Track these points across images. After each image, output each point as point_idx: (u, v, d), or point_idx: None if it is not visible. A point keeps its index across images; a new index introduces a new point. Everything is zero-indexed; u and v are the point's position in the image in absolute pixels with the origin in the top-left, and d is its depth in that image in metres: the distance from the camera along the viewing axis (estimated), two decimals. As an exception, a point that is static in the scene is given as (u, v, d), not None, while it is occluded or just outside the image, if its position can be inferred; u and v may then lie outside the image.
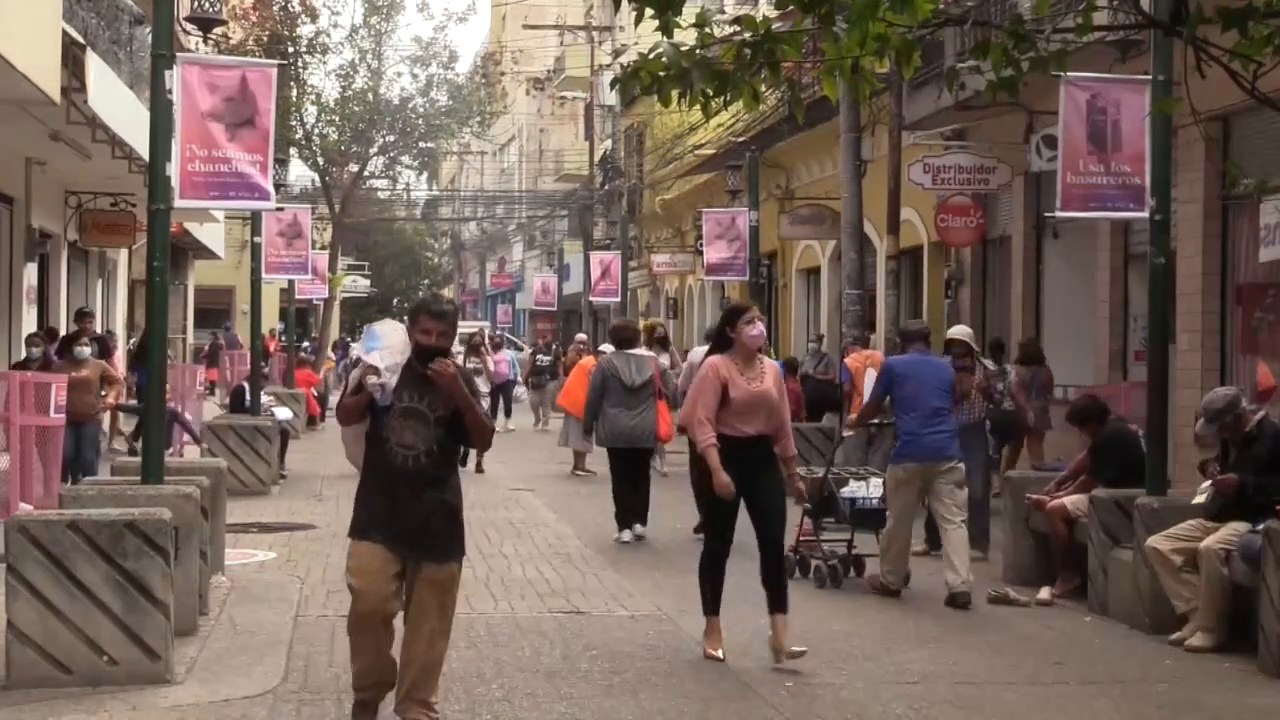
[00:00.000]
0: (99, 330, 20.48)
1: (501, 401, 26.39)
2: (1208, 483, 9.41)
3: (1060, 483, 10.94)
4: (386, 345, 6.44)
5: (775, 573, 8.38)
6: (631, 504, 13.25)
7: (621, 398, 13.22)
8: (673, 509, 13.99)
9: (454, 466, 6.63)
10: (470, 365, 19.88)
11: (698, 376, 8.60)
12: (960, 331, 12.89)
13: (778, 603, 8.30)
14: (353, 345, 25.63)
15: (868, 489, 11.02)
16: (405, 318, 6.77)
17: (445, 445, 6.50)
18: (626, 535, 13.11)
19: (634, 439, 13.25)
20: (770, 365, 8.62)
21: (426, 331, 6.42)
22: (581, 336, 28.47)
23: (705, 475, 8.25)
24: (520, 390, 28.48)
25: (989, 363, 13.39)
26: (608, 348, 14.79)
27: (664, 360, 15.67)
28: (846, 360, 16.04)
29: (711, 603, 8.51)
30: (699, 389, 8.43)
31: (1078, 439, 11.42)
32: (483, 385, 19.30)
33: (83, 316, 17.75)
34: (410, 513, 6.38)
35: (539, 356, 30.19)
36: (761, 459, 8.40)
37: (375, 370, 6.36)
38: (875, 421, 11.63)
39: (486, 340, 25.58)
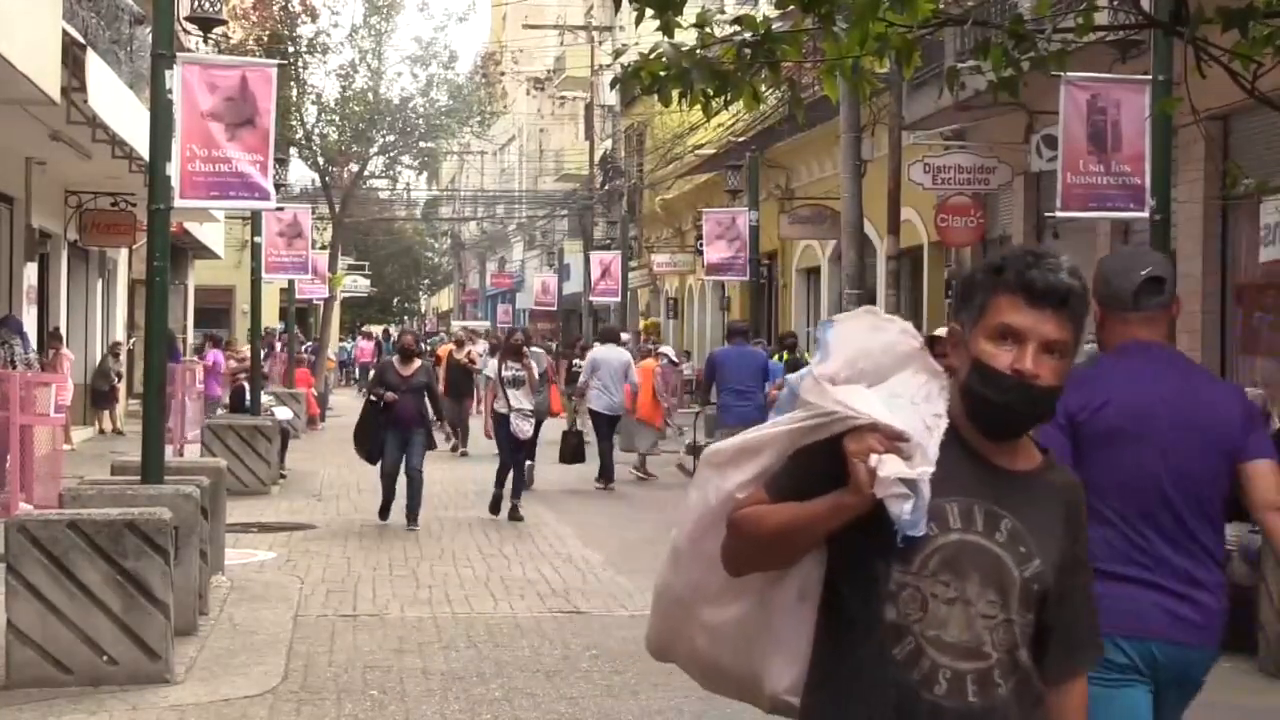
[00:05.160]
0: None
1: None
2: None
3: None
4: (886, 385, 2.62)
5: None
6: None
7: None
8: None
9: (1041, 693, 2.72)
10: (508, 374, 14.83)
11: None
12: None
13: None
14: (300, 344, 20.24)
15: None
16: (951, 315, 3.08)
17: (1031, 647, 2.68)
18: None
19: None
20: None
21: (1011, 336, 2.64)
22: (625, 336, 23.91)
23: None
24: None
25: None
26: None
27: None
28: None
29: None
30: None
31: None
32: (525, 401, 14.69)
33: None
34: None
35: (575, 362, 23.18)
36: None
37: (901, 441, 2.52)
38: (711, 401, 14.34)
39: (528, 340, 17.02)
